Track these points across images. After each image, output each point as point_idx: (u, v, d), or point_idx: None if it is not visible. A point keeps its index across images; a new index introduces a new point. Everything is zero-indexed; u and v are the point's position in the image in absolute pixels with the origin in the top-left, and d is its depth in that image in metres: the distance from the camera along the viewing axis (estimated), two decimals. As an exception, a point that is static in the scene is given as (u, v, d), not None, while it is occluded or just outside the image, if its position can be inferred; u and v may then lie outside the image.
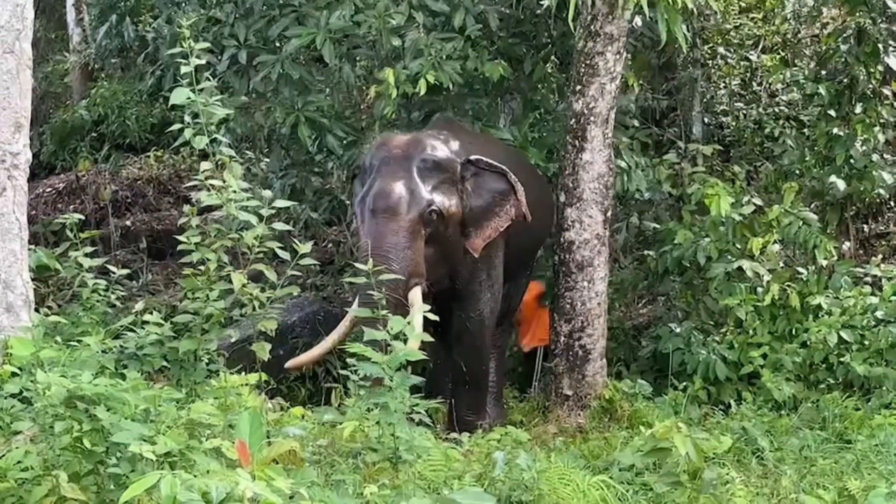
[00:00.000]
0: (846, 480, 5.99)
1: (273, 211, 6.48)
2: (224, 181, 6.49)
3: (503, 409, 8.44)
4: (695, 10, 8.99)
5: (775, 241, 9.07)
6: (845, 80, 10.19)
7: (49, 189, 13.93)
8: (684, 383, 8.49)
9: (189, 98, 6.57)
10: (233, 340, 8.75)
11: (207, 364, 6.43)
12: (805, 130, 10.98)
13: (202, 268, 6.48)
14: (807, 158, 10.36)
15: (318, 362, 8.18)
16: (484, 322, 7.83)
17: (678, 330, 9.00)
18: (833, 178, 9.95)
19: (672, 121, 12.27)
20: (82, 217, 7.49)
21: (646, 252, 9.99)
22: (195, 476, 3.34)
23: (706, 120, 11.90)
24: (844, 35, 10.33)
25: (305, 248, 6.44)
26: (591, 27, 7.99)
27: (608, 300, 8.53)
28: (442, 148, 7.58)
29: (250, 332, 8.96)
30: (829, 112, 10.12)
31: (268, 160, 10.37)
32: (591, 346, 8.29)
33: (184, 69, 6.59)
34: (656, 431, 5.34)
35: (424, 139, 7.61)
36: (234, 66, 9.15)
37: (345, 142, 9.19)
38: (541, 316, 9.08)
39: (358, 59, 9.31)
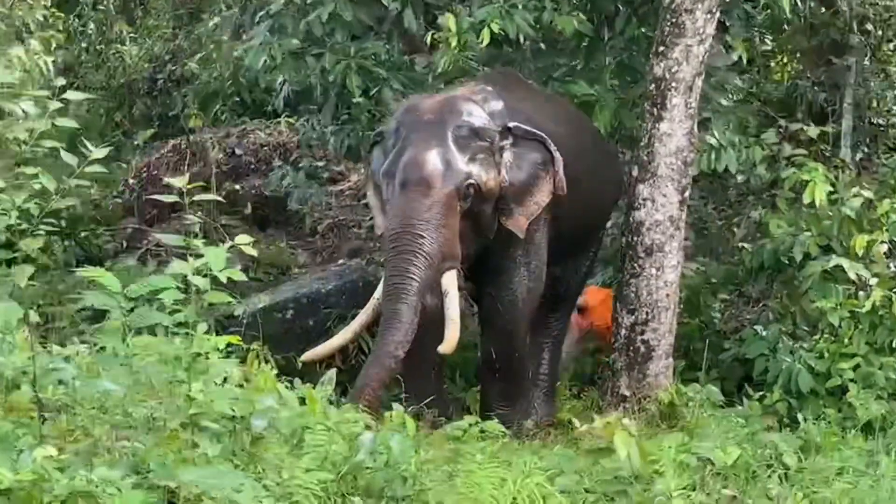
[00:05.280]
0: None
1: (61, 105, 4.93)
2: None
3: (554, 406, 7.55)
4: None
5: (883, 241, 7.90)
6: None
7: (169, 151, 13.51)
8: (760, 393, 7.44)
9: None
10: (260, 306, 8.05)
11: None
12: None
13: None
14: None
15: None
16: (517, 304, 6.89)
17: (765, 333, 7.92)
18: (964, 173, 8.77)
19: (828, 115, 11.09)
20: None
21: (741, 245, 8.93)
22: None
23: (872, 119, 10.74)
24: None
25: (100, 152, 5.03)
26: (680, -21, 7.05)
27: (680, 292, 7.51)
28: (479, 112, 6.67)
29: (282, 297, 8.30)
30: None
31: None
32: (655, 342, 7.28)
33: None
34: (597, 429, 4.42)
35: (459, 101, 6.70)
36: (289, 5, 8.32)
37: (403, 96, 8.31)
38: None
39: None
